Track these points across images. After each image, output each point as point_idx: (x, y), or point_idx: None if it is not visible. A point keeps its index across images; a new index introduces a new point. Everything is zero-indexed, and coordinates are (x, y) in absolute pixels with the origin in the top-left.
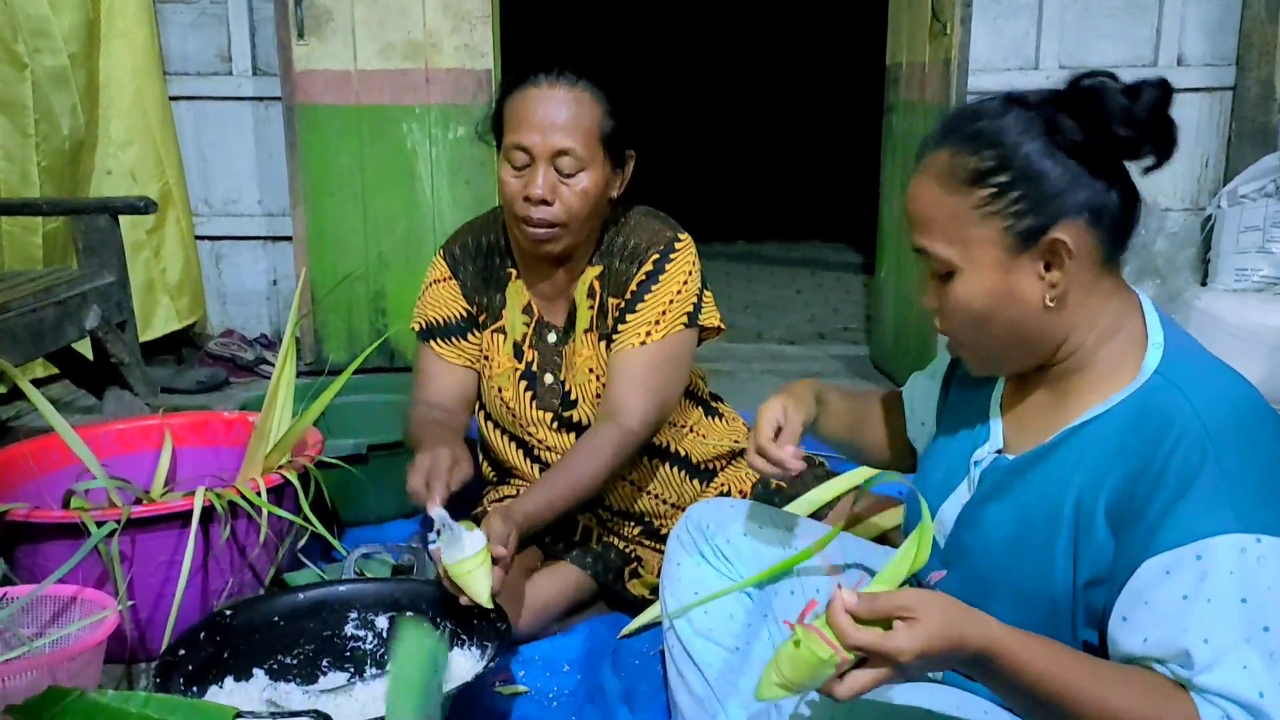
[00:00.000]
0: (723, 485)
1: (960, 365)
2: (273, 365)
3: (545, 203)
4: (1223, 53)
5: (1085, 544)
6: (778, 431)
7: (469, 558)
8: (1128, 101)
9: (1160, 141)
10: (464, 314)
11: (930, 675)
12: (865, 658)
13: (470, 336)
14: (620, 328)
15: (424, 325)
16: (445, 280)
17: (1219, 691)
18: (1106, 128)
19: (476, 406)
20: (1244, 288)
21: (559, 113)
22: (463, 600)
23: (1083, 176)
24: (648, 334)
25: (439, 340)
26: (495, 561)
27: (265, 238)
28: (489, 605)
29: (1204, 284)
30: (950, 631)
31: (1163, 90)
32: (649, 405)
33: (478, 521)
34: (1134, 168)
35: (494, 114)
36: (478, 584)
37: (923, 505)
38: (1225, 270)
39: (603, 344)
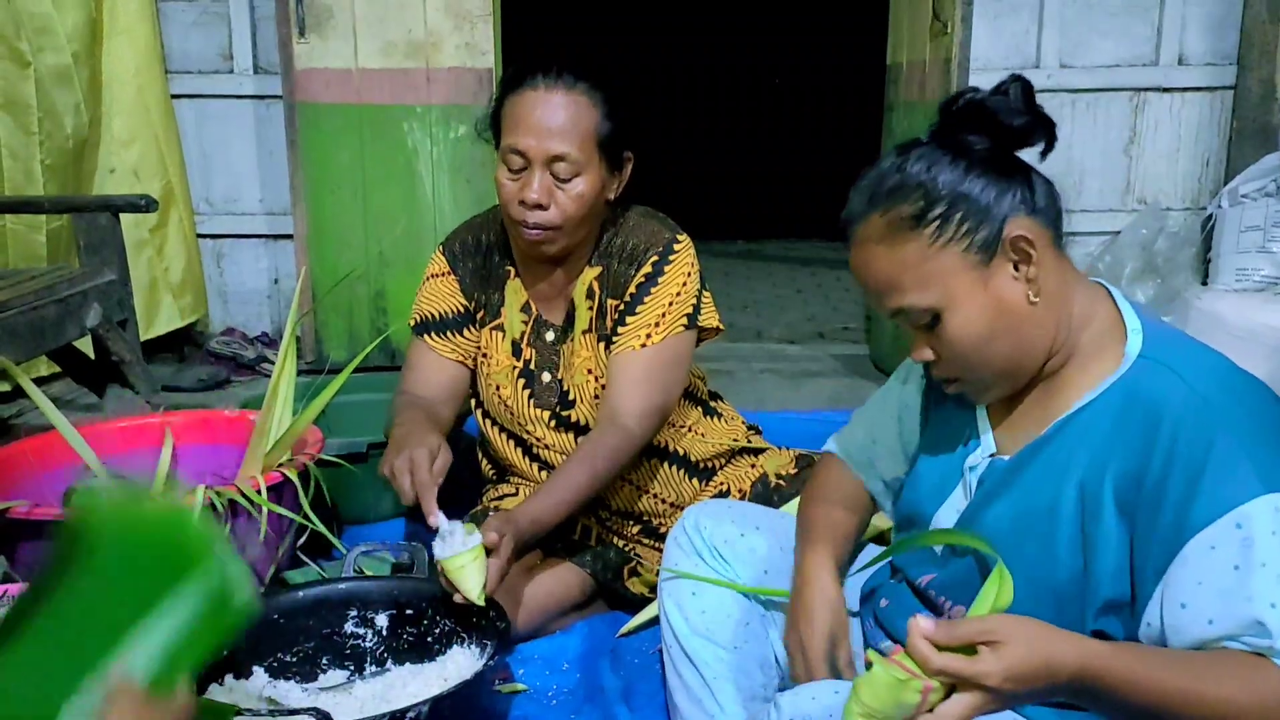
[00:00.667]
0: (722, 484)
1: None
2: (273, 363)
3: (540, 207)
4: (1224, 51)
5: (1094, 531)
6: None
7: (462, 553)
8: (1004, 99)
9: (1044, 124)
10: (461, 309)
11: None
12: (954, 688)
13: (466, 332)
14: (620, 330)
15: (419, 319)
16: (444, 275)
17: None
18: (1001, 125)
19: (474, 404)
20: (1245, 287)
21: (555, 116)
22: (456, 597)
23: (1001, 179)
24: (648, 336)
25: (434, 334)
26: (489, 553)
27: (266, 236)
28: (480, 602)
29: (1205, 284)
30: (1037, 652)
31: (1024, 83)
32: (649, 408)
33: (478, 522)
34: (1032, 159)
35: (492, 113)
36: (469, 580)
37: (997, 556)
38: (1226, 270)
39: (601, 345)
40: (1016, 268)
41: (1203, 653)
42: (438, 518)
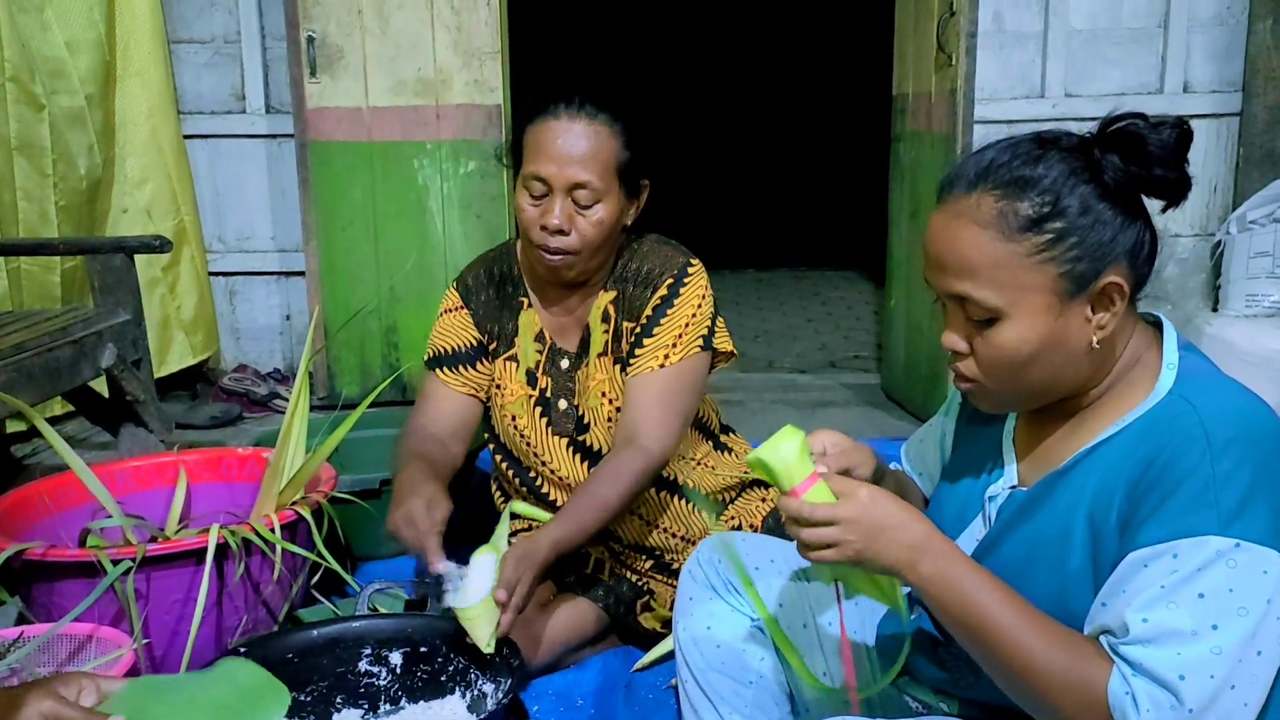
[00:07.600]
0: (734, 518)
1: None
2: (285, 400)
3: (561, 232)
4: (1229, 78)
5: (1103, 561)
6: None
7: (472, 606)
8: (1163, 144)
9: (1187, 184)
10: (474, 343)
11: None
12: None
13: (479, 366)
14: (637, 352)
15: (432, 354)
16: (456, 310)
17: (1139, 663)
18: (1149, 168)
19: (487, 438)
20: (1256, 313)
21: (577, 145)
22: (467, 640)
23: (1125, 218)
24: (665, 357)
25: (446, 369)
26: (500, 605)
27: (278, 273)
28: (489, 650)
29: (1215, 310)
30: (905, 507)
31: (1184, 132)
32: (668, 428)
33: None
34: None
35: (512, 141)
36: (480, 630)
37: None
38: (1236, 296)
39: (617, 368)
40: (1093, 310)
41: (1056, 621)
42: (440, 565)
